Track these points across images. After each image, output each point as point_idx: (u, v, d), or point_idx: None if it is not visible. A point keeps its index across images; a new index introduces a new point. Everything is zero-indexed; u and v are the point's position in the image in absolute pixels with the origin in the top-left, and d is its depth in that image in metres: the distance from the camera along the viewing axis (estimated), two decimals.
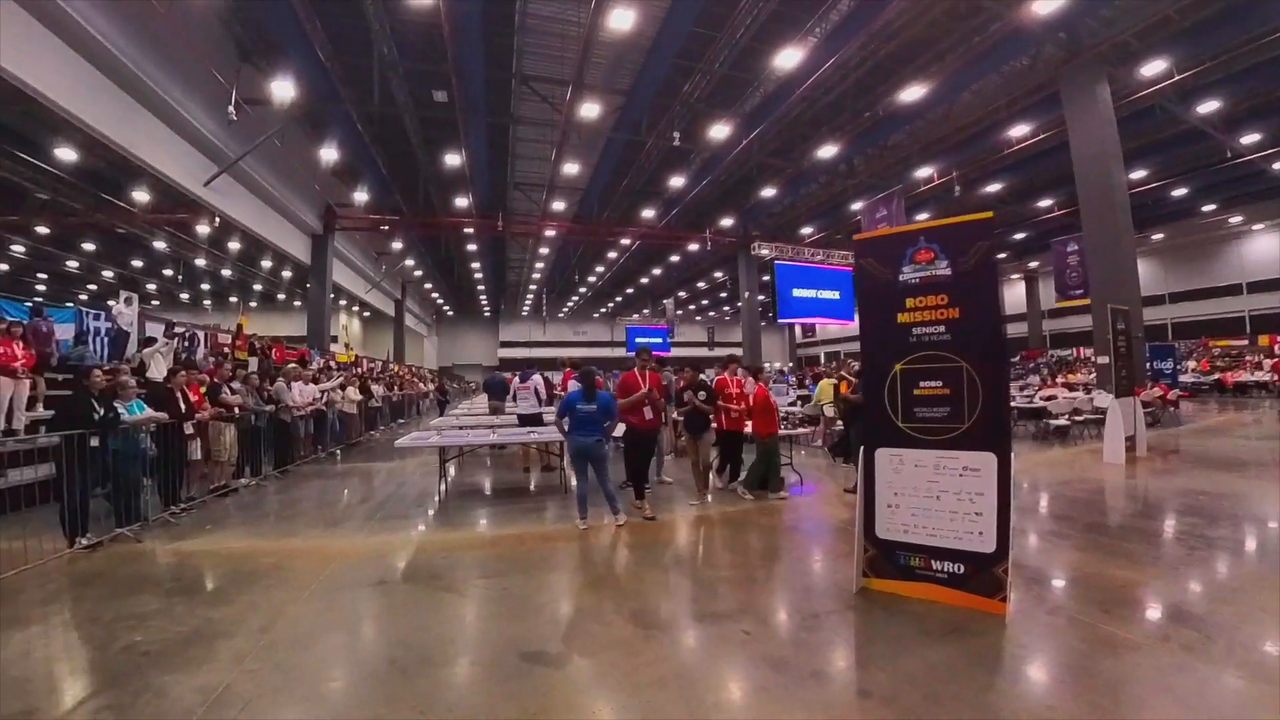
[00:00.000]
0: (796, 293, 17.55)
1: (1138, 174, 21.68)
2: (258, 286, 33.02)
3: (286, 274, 28.54)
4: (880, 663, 2.94)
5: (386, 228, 22.15)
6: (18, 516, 5.55)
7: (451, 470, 8.22)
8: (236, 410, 6.90)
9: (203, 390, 6.66)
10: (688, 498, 6.64)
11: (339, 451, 10.80)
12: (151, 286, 33.34)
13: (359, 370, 16.96)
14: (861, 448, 4.01)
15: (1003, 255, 33.18)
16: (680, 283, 35.71)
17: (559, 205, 20.82)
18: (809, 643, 3.20)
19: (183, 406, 5.94)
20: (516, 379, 10.91)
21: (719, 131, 15.21)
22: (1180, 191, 24.07)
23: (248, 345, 13.33)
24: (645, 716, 2.48)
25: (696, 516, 5.99)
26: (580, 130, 16.28)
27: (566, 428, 5.52)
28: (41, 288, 31.88)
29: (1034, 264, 34.94)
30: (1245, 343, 28.62)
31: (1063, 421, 11.05)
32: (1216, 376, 22.65)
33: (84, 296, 31.80)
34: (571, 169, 17.77)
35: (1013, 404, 12.58)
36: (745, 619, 3.50)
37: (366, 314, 36.42)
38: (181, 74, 12.72)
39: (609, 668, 2.90)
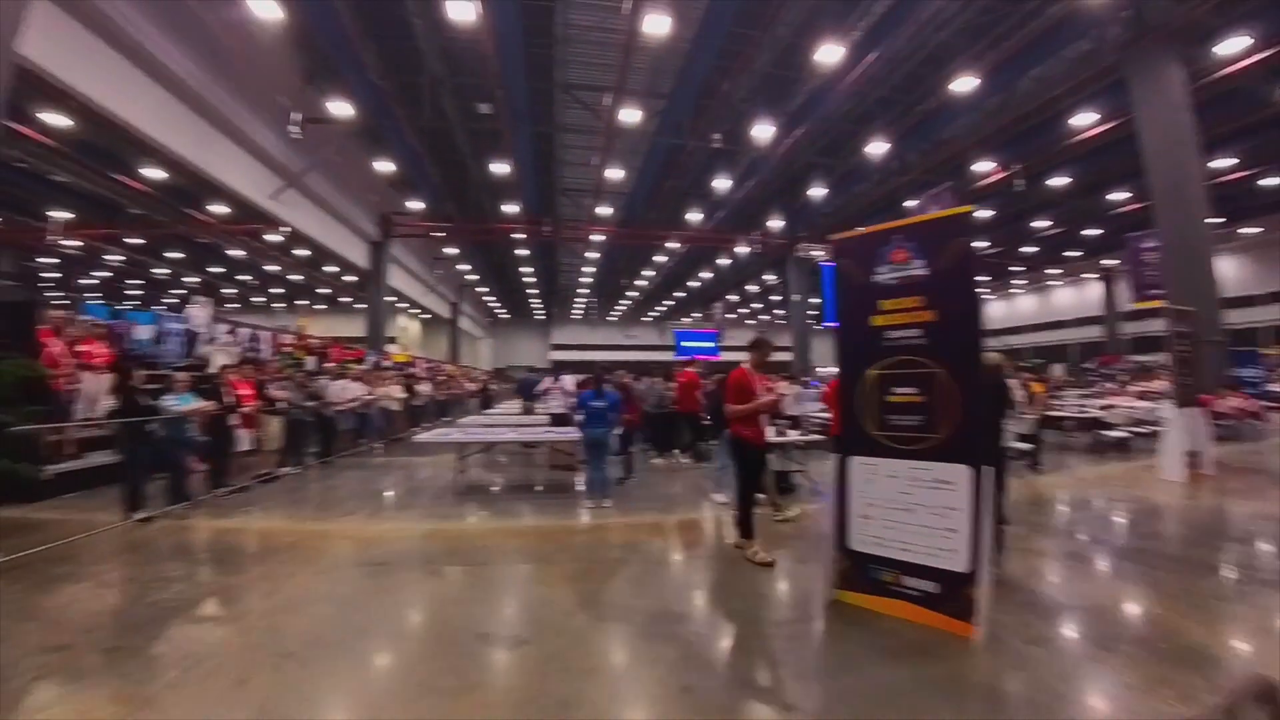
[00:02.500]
0: None
1: (1223, 163, 20.18)
2: (325, 290, 34.70)
3: (351, 279, 29.90)
4: (821, 678, 2.91)
5: (441, 234, 22.93)
6: (97, 493, 6.55)
7: (475, 466, 8.62)
8: (279, 404, 7.41)
9: (254, 385, 7.19)
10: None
11: (381, 446, 11.24)
12: (230, 290, 35.54)
13: (411, 370, 17.64)
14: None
15: (1077, 254, 31.43)
16: (730, 286, 35.41)
17: (604, 210, 21.05)
18: (756, 650, 3.23)
19: (227, 399, 6.44)
20: (551, 380, 11.18)
21: (762, 131, 15.04)
22: (1273, 181, 22.21)
23: (306, 346, 14.06)
24: (562, 697, 2.66)
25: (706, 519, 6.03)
26: (623, 135, 16.45)
27: (581, 421, 6.27)
28: (135, 292, 34.60)
29: (1111, 262, 32.79)
30: None
31: (1120, 433, 10.29)
32: None
33: (173, 299, 34.27)
34: (615, 174, 17.96)
35: (1063, 414, 11.87)
36: (705, 622, 3.57)
37: (426, 317, 37.72)
38: (249, 97, 13.67)
39: (551, 653, 3.09)
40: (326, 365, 10.88)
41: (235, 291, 35.94)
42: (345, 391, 9.42)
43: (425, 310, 34.27)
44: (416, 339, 40.64)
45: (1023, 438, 7.85)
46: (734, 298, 38.27)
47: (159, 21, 10.67)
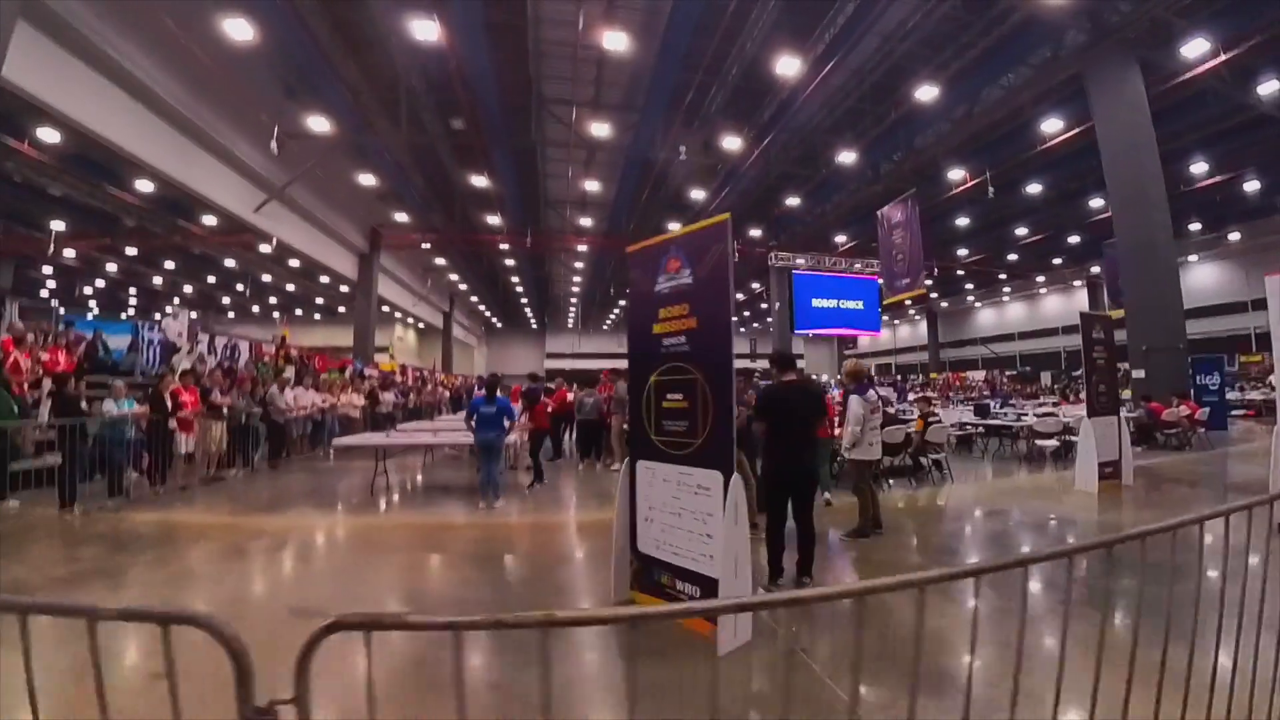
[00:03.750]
0: (816, 302, 17.32)
1: (1200, 168, 20.39)
2: (320, 300, 35.22)
3: (345, 289, 30.42)
4: (561, 666, 2.91)
5: (428, 246, 23.35)
6: (48, 489, 7.05)
7: (422, 469, 9.05)
8: (225, 410, 7.82)
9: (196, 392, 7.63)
10: None
11: (333, 451, 11.50)
12: (226, 300, 36.10)
13: (399, 379, 18.05)
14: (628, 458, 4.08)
15: (1057, 260, 31.64)
16: None
17: (586, 221, 21.45)
18: (514, 639, 2.99)
19: (169, 406, 6.87)
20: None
21: (732, 143, 15.44)
22: (1254, 185, 22.32)
23: (286, 355, 14.43)
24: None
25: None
26: (599, 148, 16.86)
27: (473, 425, 6.54)
28: (134, 301, 35.22)
29: (1096, 269, 32.99)
30: None
31: (1053, 443, 10.01)
32: None
33: (170, 309, 34.87)
34: (594, 186, 18.37)
35: (991, 422, 11.87)
36: (479, 608, 3.59)
37: (420, 325, 38.21)
38: (230, 113, 14.11)
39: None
40: (282, 375, 11.22)
41: (230, 301, 36.45)
42: (298, 399, 9.83)
43: (419, 320, 34.78)
44: (412, 348, 41.13)
45: (892, 449, 7.49)
46: None
47: (139, 42, 11.11)
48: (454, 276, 30.51)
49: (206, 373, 9.89)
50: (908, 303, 42.71)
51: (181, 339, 12.06)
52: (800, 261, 21.68)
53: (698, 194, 18.85)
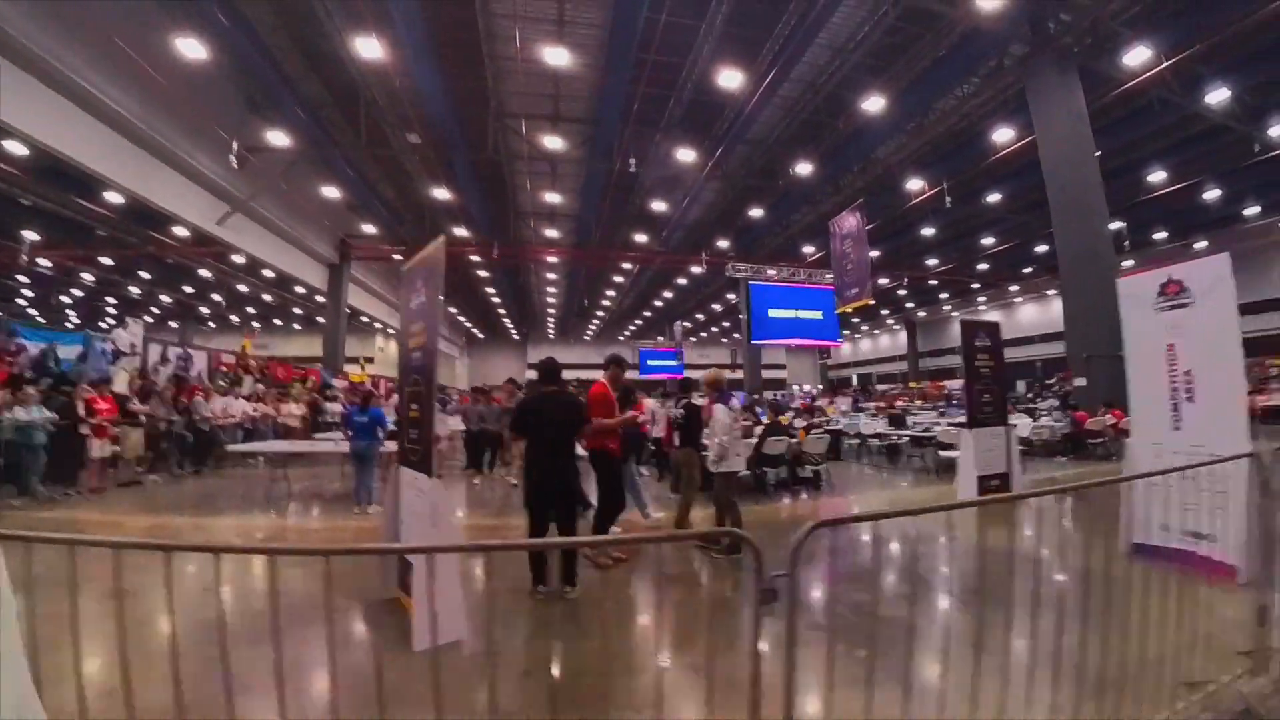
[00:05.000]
0: (773, 313, 17.52)
1: (1159, 176, 20.73)
2: (298, 310, 35.31)
3: (320, 299, 30.53)
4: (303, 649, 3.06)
5: (399, 257, 23.46)
6: None
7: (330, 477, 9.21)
8: (142, 417, 8.04)
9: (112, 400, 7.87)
10: None
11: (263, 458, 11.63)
12: (205, 310, 36.15)
13: (355, 388, 18.16)
14: None
15: (1028, 270, 31.98)
16: (695, 305, 36.04)
17: (553, 233, 21.68)
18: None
19: (83, 412, 7.08)
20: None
21: (690, 156, 15.69)
22: (1214, 194, 22.69)
23: (246, 365, 14.56)
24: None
25: None
26: (562, 160, 17.12)
27: (350, 434, 6.85)
28: (112, 311, 35.28)
29: None
30: None
31: (955, 453, 9.27)
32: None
33: (148, 319, 34.91)
34: (560, 198, 18.57)
35: (904, 432, 11.85)
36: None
37: None
38: (189, 128, 14.28)
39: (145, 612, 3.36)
40: (202, 385, 11.40)
41: (209, 311, 36.50)
42: (227, 409, 10.01)
43: (395, 331, 34.91)
44: (395, 359, 41.21)
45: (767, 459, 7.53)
46: (701, 317, 38.89)
47: (89, 58, 11.26)
48: None
49: (158, 382, 10.08)
50: (884, 312, 43.16)
51: (134, 349, 12.18)
52: (771, 273, 22.01)
53: (660, 206, 19.07)
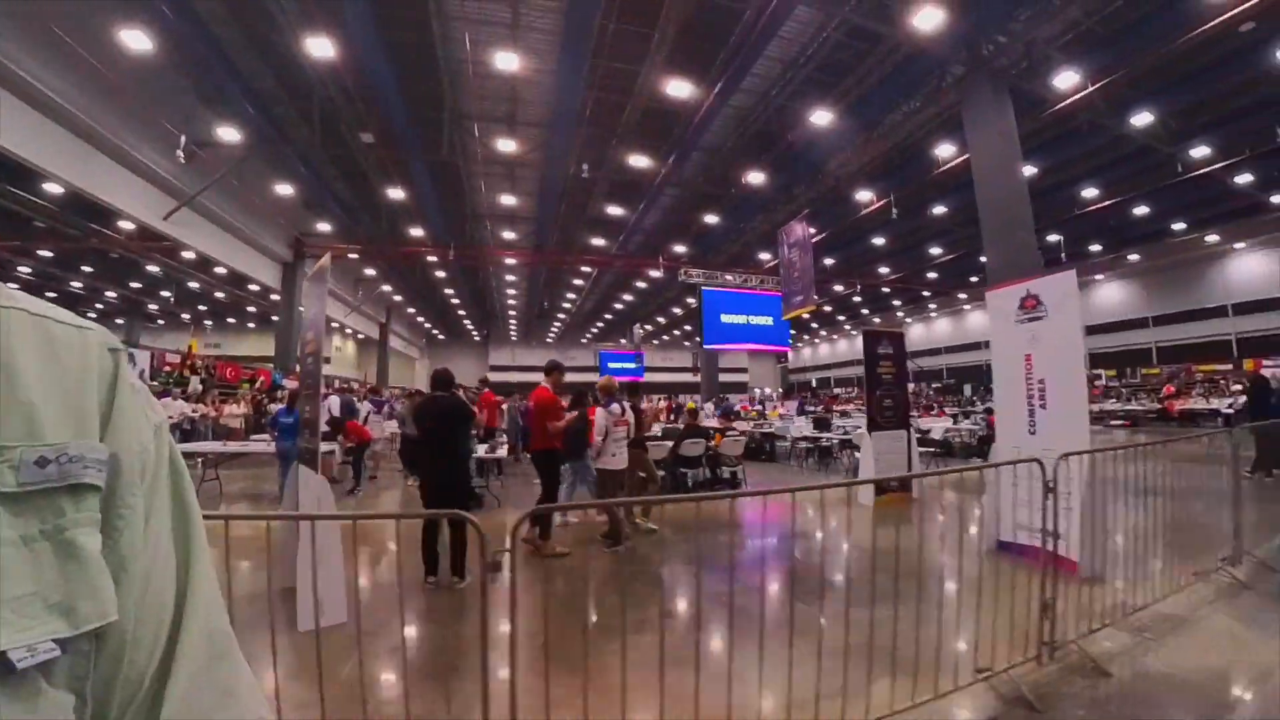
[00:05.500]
0: (725, 318, 17.87)
1: (1091, 193, 21.85)
2: (252, 309, 34.54)
3: (274, 298, 29.94)
4: None
5: (355, 256, 23.29)
6: None
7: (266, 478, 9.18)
8: None
9: None
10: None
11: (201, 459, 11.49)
12: (154, 307, 35.07)
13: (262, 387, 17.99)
14: None
15: (975, 278, 33.14)
16: (656, 309, 36.40)
17: (511, 234, 21.75)
18: None
19: None
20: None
21: (644, 162, 15.98)
22: (1143, 210, 23.95)
23: (192, 365, 14.32)
24: None
25: None
26: (519, 163, 17.25)
27: (277, 434, 6.91)
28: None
29: None
30: (1230, 367, 27.89)
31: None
32: (1161, 405, 22.25)
33: (92, 315, 33.46)
34: (516, 200, 18.68)
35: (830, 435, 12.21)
36: None
37: (360, 337, 37.75)
38: (137, 121, 14.01)
39: None
40: (186, 386, 11.23)
41: (158, 308, 35.43)
42: (165, 408, 9.87)
43: (357, 331, 34.42)
44: (351, 359, 40.58)
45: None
46: (662, 320, 39.27)
47: (28, 47, 11.01)
48: (388, 288, 30.37)
49: None
50: (841, 318, 44.19)
51: None
52: (729, 278, 22.41)
53: (618, 210, 19.32)
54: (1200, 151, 18.53)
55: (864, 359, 7.96)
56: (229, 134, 14.39)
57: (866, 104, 15.70)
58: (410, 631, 3.72)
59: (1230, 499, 4.90)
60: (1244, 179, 20.75)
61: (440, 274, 27.19)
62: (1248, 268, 28.33)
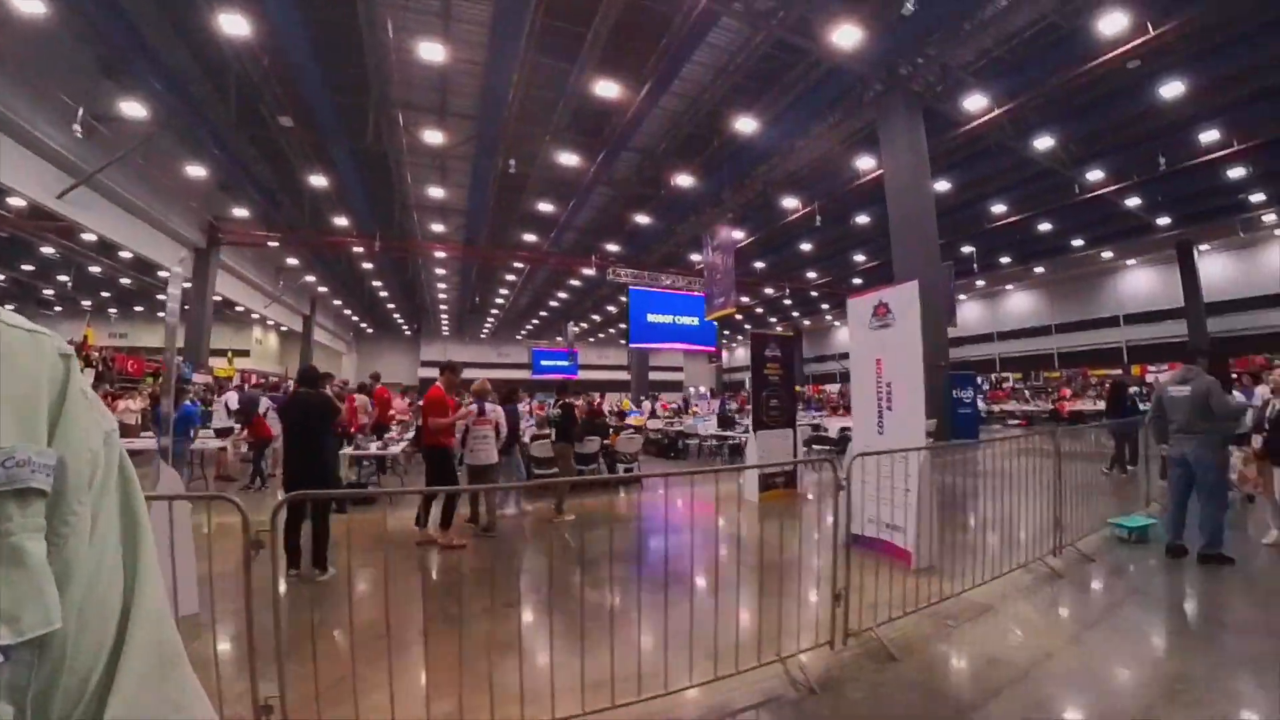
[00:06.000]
0: (651, 318, 18.04)
1: (1000, 209, 23.30)
2: (162, 297, 32.54)
3: (186, 284, 28.30)
4: None
5: (275, 244, 22.33)
6: None
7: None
8: None
9: None
10: None
11: None
12: (49, 292, 32.58)
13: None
14: None
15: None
16: (592, 307, 36.44)
17: (439, 227, 21.35)
18: None
19: None
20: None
21: (574, 160, 16.05)
22: (1046, 226, 25.69)
23: (87, 357, 13.41)
24: None
25: None
26: (450, 155, 16.97)
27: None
28: None
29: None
30: (1120, 372, 30.25)
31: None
32: (1054, 406, 24.01)
33: None
34: (444, 193, 18.36)
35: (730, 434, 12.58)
36: None
37: (284, 329, 36.16)
38: (28, 90, 12.99)
39: None
40: None
41: (54, 294, 32.92)
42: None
43: (279, 323, 32.99)
44: (274, 352, 38.82)
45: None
46: (598, 318, 39.34)
47: None
48: (312, 278, 29.23)
49: None
50: (773, 319, 45.38)
51: None
52: (665, 279, 22.68)
53: (548, 207, 19.28)
54: (1095, 175, 20.14)
55: (751, 361, 8.05)
56: (134, 109, 13.59)
57: (792, 114, 16.22)
58: (262, 620, 3.77)
59: (1052, 494, 5.24)
60: (1133, 202, 22.66)
61: (367, 265, 26.38)
62: (1138, 282, 30.93)
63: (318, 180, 17.16)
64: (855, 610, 3.57)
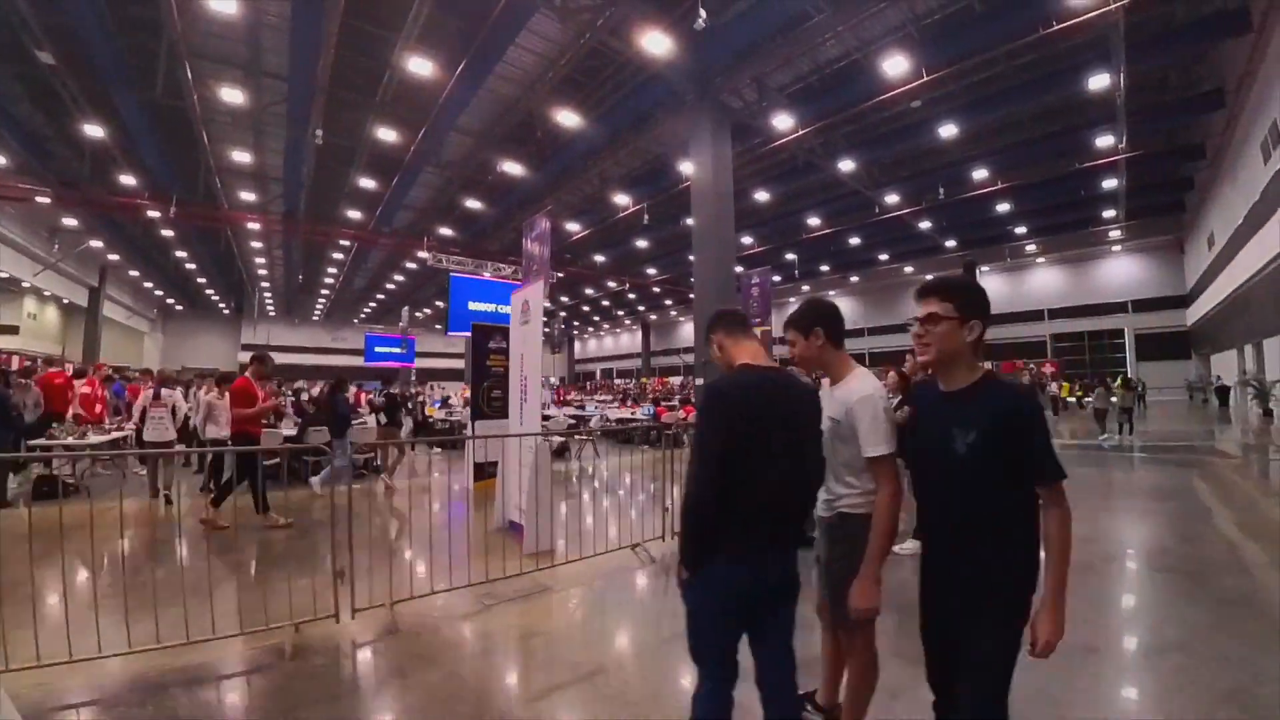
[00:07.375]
0: (472, 305, 17.78)
1: (815, 221, 25.67)
2: None
3: None
4: None
5: (46, 200, 19.40)
6: None
7: None
8: None
9: None
10: None
11: None
12: None
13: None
14: None
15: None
16: (436, 293, 35.38)
17: (251, 196, 19.80)
18: None
19: None
20: None
21: (389, 135, 15.61)
22: (856, 240, 28.71)
23: None
24: None
25: None
26: (258, 118, 15.82)
27: None
28: None
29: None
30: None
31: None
32: None
33: None
34: (249, 158, 17.07)
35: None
36: None
37: (65, 302, 31.45)
38: None
39: None
40: None
41: None
42: None
43: (58, 296, 28.69)
44: (53, 330, 33.60)
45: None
46: (440, 304, 38.24)
47: None
48: (98, 243, 25.70)
49: None
50: (620, 313, 46.71)
51: None
52: (501, 266, 22.43)
53: (369, 184, 18.57)
54: (893, 198, 22.84)
55: (473, 352, 8.05)
56: None
57: (619, 113, 16.78)
58: None
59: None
60: (925, 225, 26.07)
61: (168, 233, 23.70)
62: None
63: (94, 131, 15.24)
64: (366, 589, 3.76)
